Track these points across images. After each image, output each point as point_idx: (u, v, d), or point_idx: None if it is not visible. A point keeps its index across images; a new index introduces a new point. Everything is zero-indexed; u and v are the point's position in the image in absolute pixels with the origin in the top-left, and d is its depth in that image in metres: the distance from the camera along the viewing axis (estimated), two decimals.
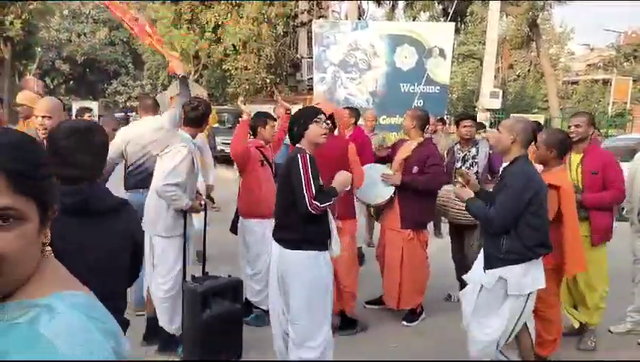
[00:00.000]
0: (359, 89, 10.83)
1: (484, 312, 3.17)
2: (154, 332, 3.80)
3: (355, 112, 5.94)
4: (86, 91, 44.95)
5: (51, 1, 23.01)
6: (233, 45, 20.74)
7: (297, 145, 3.09)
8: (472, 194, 3.29)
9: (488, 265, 3.15)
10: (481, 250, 3.31)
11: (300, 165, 2.89)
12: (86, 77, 44.46)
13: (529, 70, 32.83)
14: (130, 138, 4.29)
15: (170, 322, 3.65)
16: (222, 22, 20.13)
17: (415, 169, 4.28)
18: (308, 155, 2.94)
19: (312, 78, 11.95)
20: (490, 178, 4.75)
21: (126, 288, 1.95)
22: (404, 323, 4.45)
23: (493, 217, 3.05)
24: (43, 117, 3.22)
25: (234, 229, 4.56)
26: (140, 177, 4.23)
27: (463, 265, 4.88)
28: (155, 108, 4.73)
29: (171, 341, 3.67)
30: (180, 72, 4.58)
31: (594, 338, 4.07)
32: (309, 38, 13.30)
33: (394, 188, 4.32)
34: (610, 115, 21.05)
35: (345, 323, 4.20)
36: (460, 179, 3.45)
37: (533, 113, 22.02)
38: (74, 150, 1.74)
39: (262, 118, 4.44)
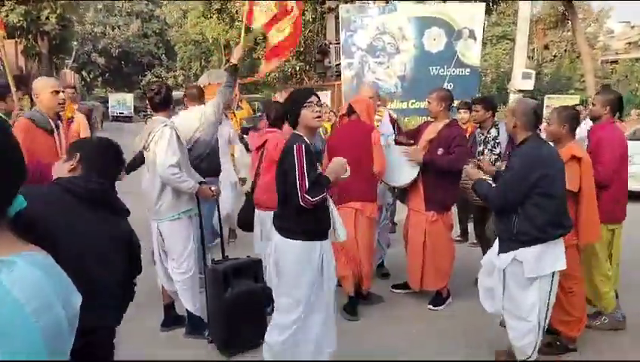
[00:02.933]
0: (387, 73, 10.76)
1: (514, 300, 3.15)
2: (172, 320, 3.94)
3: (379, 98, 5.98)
4: (121, 83, 46.00)
5: None
6: (262, 33, 20.81)
7: (295, 131, 2.99)
8: (482, 175, 3.33)
9: (502, 247, 3.17)
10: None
11: (295, 156, 2.78)
12: (121, 69, 45.44)
13: (565, 50, 31.87)
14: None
15: (194, 304, 3.75)
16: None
17: (440, 151, 4.26)
18: (303, 145, 2.82)
19: (339, 64, 11.91)
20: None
21: (120, 292, 2.09)
22: (430, 306, 4.45)
23: (494, 195, 3.11)
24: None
25: (248, 224, 4.32)
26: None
27: (486, 247, 4.87)
28: (201, 98, 4.89)
29: (198, 323, 3.78)
30: (234, 60, 4.63)
31: (604, 319, 3.99)
32: (337, 24, 13.24)
33: (418, 169, 4.32)
34: None
35: (350, 305, 4.22)
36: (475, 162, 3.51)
37: (570, 93, 21.42)
38: None
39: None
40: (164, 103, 3.72)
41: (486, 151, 4.79)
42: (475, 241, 6.00)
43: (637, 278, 4.63)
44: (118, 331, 3.60)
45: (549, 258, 3.09)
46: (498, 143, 4.75)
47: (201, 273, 3.93)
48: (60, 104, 3.62)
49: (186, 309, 3.80)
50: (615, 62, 34.33)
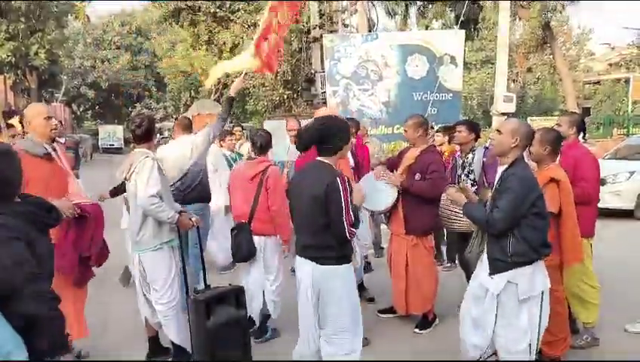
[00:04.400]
0: (372, 100, 10.93)
1: (507, 322, 3.14)
2: (157, 352, 3.96)
3: (355, 123, 6.01)
4: (112, 116, 46.06)
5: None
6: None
7: (323, 158, 3.08)
8: (464, 200, 3.34)
9: (495, 270, 3.12)
10: (482, 257, 3.28)
11: (341, 191, 2.91)
12: (111, 101, 45.56)
13: (548, 72, 32.49)
14: (164, 157, 4.56)
15: (177, 334, 3.76)
16: (239, 42, 20.52)
17: (417, 176, 4.34)
18: (346, 178, 2.99)
19: (325, 92, 12.10)
20: (486, 186, 4.75)
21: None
22: (417, 330, 4.48)
23: (498, 219, 3.03)
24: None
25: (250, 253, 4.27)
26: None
27: (470, 270, 4.92)
28: (190, 128, 5.02)
29: (183, 354, 3.78)
30: (234, 93, 4.78)
31: (587, 338, 4.05)
32: (322, 53, 13.51)
33: (396, 194, 4.40)
34: (630, 114, 20.68)
35: None
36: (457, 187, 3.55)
37: (554, 115, 21.76)
38: None
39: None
40: (146, 135, 3.78)
41: (463, 176, 4.86)
42: (449, 264, 6.10)
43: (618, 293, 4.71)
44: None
45: (539, 277, 3.12)
46: (472, 170, 4.80)
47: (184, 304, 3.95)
48: (52, 130, 3.68)
49: (171, 340, 3.81)
50: (597, 82, 34.96)
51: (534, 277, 3.10)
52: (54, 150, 3.68)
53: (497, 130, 3.26)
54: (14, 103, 23.55)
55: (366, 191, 4.38)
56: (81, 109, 46.37)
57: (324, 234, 2.97)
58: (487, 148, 4.92)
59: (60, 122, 8.78)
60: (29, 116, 3.63)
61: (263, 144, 4.35)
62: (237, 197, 4.38)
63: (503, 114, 12.60)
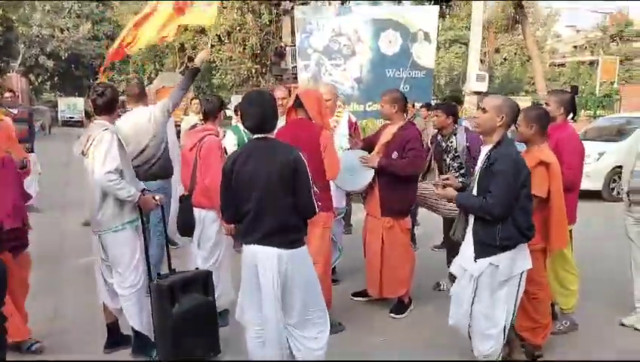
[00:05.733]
0: (344, 75, 10.65)
1: (485, 304, 3.07)
2: (116, 340, 3.69)
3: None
4: (72, 87, 44.45)
5: None
6: (218, 36, 20.48)
7: (268, 135, 2.93)
8: (455, 194, 3.20)
9: (482, 254, 3.01)
10: (466, 240, 3.17)
11: (306, 165, 2.80)
12: (71, 72, 43.95)
13: (515, 53, 32.78)
14: (119, 130, 3.98)
15: (140, 322, 3.50)
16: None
17: (395, 154, 4.15)
18: (304, 154, 2.84)
19: (296, 66, 11.75)
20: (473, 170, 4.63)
21: None
22: (392, 315, 4.34)
23: (493, 205, 2.90)
24: None
25: (189, 229, 3.99)
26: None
27: (455, 253, 4.79)
28: (143, 98, 4.63)
29: (144, 343, 3.54)
30: (199, 63, 4.47)
31: (565, 323, 4.00)
32: (293, 26, 13.12)
33: (372, 174, 4.19)
34: (598, 96, 21.04)
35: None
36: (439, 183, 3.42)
37: (520, 95, 21.97)
38: None
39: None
40: (107, 106, 3.48)
41: (448, 160, 4.71)
42: (438, 246, 5.96)
43: (590, 275, 4.67)
44: (57, 353, 3.32)
45: (520, 258, 3.04)
46: (457, 155, 4.67)
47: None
48: None
49: (132, 327, 3.54)
50: (562, 65, 35.53)
51: (515, 259, 3.02)
52: None
53: (482, 109, 3.11)
54: None
55: (341, 170, 4.21)
56: (39, 80, 44.39)
57: (290, 215, 2.80)
58: (467, 129, 4.77)
59: (13, 91, 8.29)
60: None
61: (207, 110, 4.06)
62: (182, 167, 4.12)
63: (476, 93, 12.55)
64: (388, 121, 4.44)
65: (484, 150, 3.11)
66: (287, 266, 2.79)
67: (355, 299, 4.67)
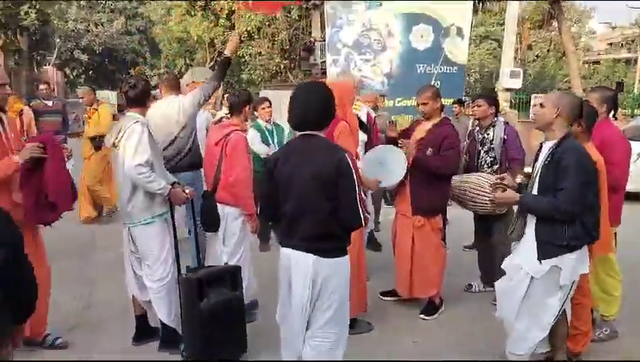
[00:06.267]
0: (374, 71, 10.51)
1: (536, 306, 2.96)
2: (145, 332, 3.69)
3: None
4: (105, 81, 45.24)
5: None
6: (247, 31, 20.53)
7: (318, 133, 2.64)
8: (517, 196, 3.03)
9: (545, 254, 2.87)
10: (524, 239, 3.03)
11: (353, 170, 2.50)
12: (105, 66, 44.75)
13: (548, 50, 31.98)
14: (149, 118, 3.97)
15: (169, 315, 3.49)
16: (235, 8, 19.92)
17: (430, 151, 4.05)
18: (352, 156, 2.58)
19: (325, 62, 11.66)
20: (508, 166, 4.48)
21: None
22: (422, 316, 4.23)
23: (567, 202, 2.74)
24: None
25: (214, 224, 3.91)
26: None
27: (487, 254, 4.68)
28: (177, 88, 4.63)
29: (172, 336, 3.53)
30: (229, 53, 4.41)
31: (606, 330, 3.83)
32: (322, 21, 13.02)
33: (405, 170, 4.08)
34: (637, 94, 20.36)
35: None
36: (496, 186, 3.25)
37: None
38: None
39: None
40: (139, 98, 3.47)
41: (482, 153, 4.57)
42: (469, 246, 5.80)
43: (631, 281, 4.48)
44: (89, 346, 3.32)
45: (581, 262, 2.93)
46: (493, 148, 4.52)
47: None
48: (3, 98, 3.31)
49: (160, 320, 3.54)
50: (597, 62, 34.53)
51: (577, 263, 2.90)
52: (1, 121, 3.27)
53: (540, 104, 3.02)
54: (4, 65, 22.88)
55: (371, 167, 4.14)
56: (74, 73, 45.41)
57: (329, 222, 2.54)
58: (507, 123, 4.62)
59: (48, 83, 8.42)
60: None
61: (232, 104, 3.98)
62: (206, 162, 4.06)
63: (508, 89, 12.24)
64: (421, 117, 4.34)
65: (547, 146, 2.97)
66: (321, 276, 2.59)
67: (384, 298, 4.59)
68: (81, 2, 39.92)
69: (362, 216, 2.53)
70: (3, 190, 3.17)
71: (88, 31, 40.26)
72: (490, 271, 4.68)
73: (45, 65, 35.10)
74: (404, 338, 3.87)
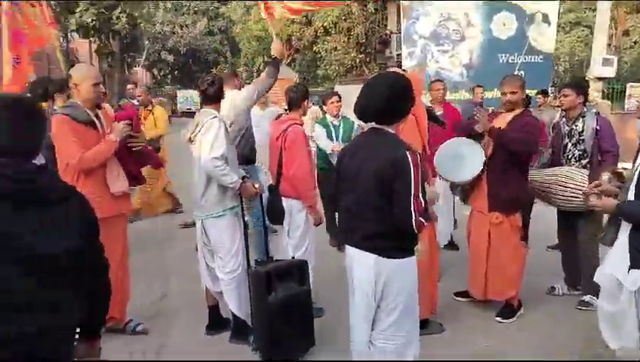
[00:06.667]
0: (452, 62, 10.20)
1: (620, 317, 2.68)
2: (217, 322, 3.76)
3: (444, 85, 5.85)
4: (189, 80, 47.26)
5: None
6: (323, 27, 20.62)
7: (385, 127, 2.52)
8: (615, 204, 2.72)
9: (637, 264, 2.58)
10: (617, 244, 2.75)
11: (412, 169, 2.34)
12: (189, 66, 46.69)
13: None
14: None
15: (239, 307, 3.54)
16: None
17: None
18: (417, 154, 2.41)
19: (400, 54, 11.44)
20: (600, 158, 4.13)
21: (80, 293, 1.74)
22: (498, 318, 4.00)
23: None
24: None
25: (278, 216, 3.94)
26: None
27: (571, 254, 4.37)
28: (233, 84, 4.69)
29: (243, 328, 3.57)
30: (275, 53, 4.46)
31: None
32: (399, 12, 12.78)
33: (482, 164, 3.87)
34: None
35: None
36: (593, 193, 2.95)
37: None
38: None
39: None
40: (215, 96, 3.57)
41: (569, 146, 4.25)
42: (553, 246, 5.43)
43: None
44: (163, 334, 3.41)
45: None
46: (582, 139, 4.18)
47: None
48: (98, 96, 3.49)
49: (231, 312, 3.59)
50: None
51: None
52: (97, 117, 3.48)
53: None
54: (99, 67, 24.48)
55: (446, 160, 3.96)
56: (161, 74, 47.81)
57: (388, 221, 2.41)
58: (598, 113, 4.27)
59: (135, 84, 8.82)
60: (76, 79, 3.38)
61: (290, 100, 3.97)
62: (270, 157, 4.09)
63: (600, 78, 11.39)
64: (501, 110, 4.10)
65: None
66: (383, 276, 2.49)
67: (458, 298, 4.39)
68: (167, 5, 41.94)
69: (414, 220, 2.35)
70: (99, 179, 3.39)
71: (174, 33, 42.24)
72: (575, 274, 4.39)
73: (135, 66, 37.17)
74: (478, 340, 3.68)
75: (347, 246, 2.66)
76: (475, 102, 7.04)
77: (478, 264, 4.03)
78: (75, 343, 1.83)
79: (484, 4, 10.02)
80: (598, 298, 3.96)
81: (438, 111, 5.73)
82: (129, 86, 8.42)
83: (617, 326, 2.74)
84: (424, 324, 3.75)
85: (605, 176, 3.44)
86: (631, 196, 2.67)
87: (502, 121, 3.95)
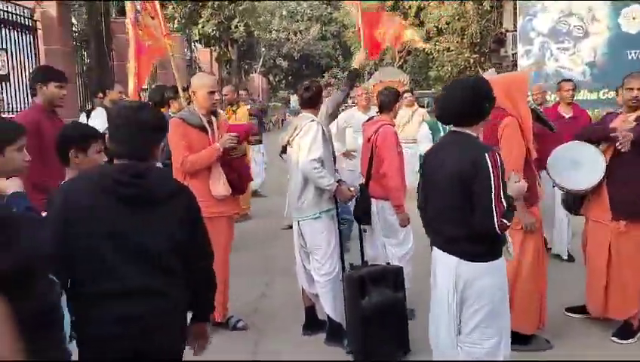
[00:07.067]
0: (573, 60, 9.48)
1: None
2: (313, 323, 3.81)
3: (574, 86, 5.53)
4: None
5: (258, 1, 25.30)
6: (436, 27, 20.17)
7: (464, 129, 2.51)
8: None
9: None
10: None
11: (491, 169, 2.32)
12: (302, 72, 48.04)
13: None
14: None
15: (334, 309, 3.57)
16: (424, 5, 19.73)
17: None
18: (498, 155, 2.38)
19: (516, 53, 10.86)
20: None
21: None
22: (615, 339, 3.67)
23: None
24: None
25: (366, 216, 4.02)
26: None
27: None
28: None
29: (338, 331, 3.60)
30: (357, 65, 4.54)
31: None
32: (516, 10, 12.14)
33: (603, 170, 3.56)
34: None
35: (517, 338, 3.54)
36: None
37: None
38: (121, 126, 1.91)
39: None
40: (311, 100, 3.67)
41: None
42: None
43: None
44: (262, 333, 3.51)
45: None
46: None
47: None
48: (213, 104, 3.71)
49: (327, 314, 3.64)
50: None
51: None
52: (210, 123, 3.70)
53: None
54: (218, 74, 26.03)
55: (563, 166, 3.69)
56: (276, 80, 49.75)
57: (470, 224, 2.40)
58: None
59: (247, 90, 9.24)
60: (194, 86, 3.68)
61: (383, 103, 4.06)
62: (362, 158, 4.20)
63: None
64: (619, 110, 3.75)
65: None
66: (464, 279, 2.46)
67: (570, 314, 4.07)
68: (283, 13, 43.54)
69: (496, 221, 2.31)
70: (203, 181, 3.61)
71: (288, 39, 43.76)
72: None
73: (252, 73, 38.96)
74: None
75: (434, 248, 2.64)
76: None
77: (598, 278, 3.71)
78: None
79: None
80: None
81: (567, 114, 5.37)
82: (241, 92, 8.85)
83: None
84: (529, 339, 3.54)
85: None
86: None
87: (624, 123, 3.61)
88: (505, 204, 2.36)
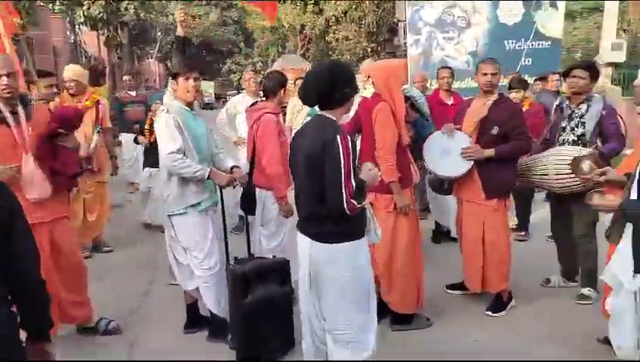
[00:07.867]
0: (457, 50, 9.91)
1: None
2: (195, 321, 3.65)
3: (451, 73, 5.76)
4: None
5: None
6: (334, 16, 20.41)
7: (325, 113, 2.53)
8: (617, 201, 2.54)
9: None
10: (621, 245, 2.61)
11: (341, 150, 2.34)
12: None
13: None
14: None
15: (217, 305, 3.43)
16: None
17: (495, 130, 3.70)
18: (348, 137, 2.42)
19: (407, 42, 11.22)
20: (600, 142, 3.94)
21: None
22: (489, 313, 3.88)
23: None
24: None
25: (251, 207, 3.85)
26: None
27: (566, 246, 4.21)
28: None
29: (221, 326, 3.47)
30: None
31: None
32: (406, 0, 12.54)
33: (471, 164, 3.76)
34: None
35: (398, 318, 3.65)
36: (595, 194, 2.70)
37: None
38: None
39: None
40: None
41: (567, 129, 4.05)
42: (550, 236, 5.25)
43: None
44: (141, 333, 3.29)
45: None
46: (583, 123, 3.97)
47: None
48: (2, 90, 2.99)
49: (209, 310, 3.49)
50: None
51: None
52: (14, 114, 3.08)
53: None
54: (108, 59, 24.54)
55: (435, 152, 3.83)
56: None
57: (320, 205, 2.42)
58: (605, 98, 4.09)
59: (132, 75, 8.71)
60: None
61: (267, 88, 3.92)
62: (247, 145, 4.12)
63: (610, 64, 11.02)
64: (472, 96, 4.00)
65: None
66: (317, 260, 2.50)
67: (450, 291, 4.26)
68: None
69: (345, 202, 2.33)
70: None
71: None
72: (571, 266, 4.28)
73: (148, 58, 37.24)
74: (466, 337, 3.55)
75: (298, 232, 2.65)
76: (549, 90, 6.78)
77: (475, 256, 3.89)
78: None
79: None
80: (596, 291, 3.87)
81: (449, 101, 5.54)
82: (125, 77, 8.34)
83: (618, 322, 2.63)
84: (409, 319, 3.66)
85: (586, 164, 3.26)
86: (634, 195, 2.51)
87: (480, 108, 3.81)
88: (354, 185, 2.37)
